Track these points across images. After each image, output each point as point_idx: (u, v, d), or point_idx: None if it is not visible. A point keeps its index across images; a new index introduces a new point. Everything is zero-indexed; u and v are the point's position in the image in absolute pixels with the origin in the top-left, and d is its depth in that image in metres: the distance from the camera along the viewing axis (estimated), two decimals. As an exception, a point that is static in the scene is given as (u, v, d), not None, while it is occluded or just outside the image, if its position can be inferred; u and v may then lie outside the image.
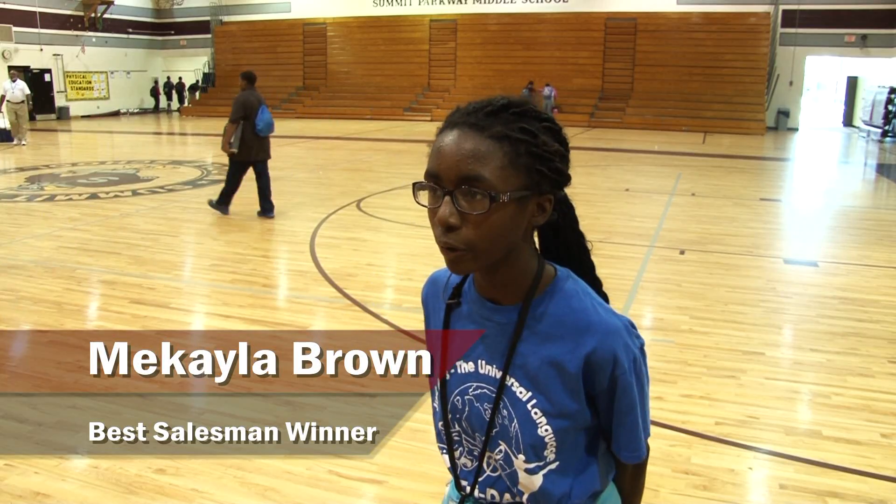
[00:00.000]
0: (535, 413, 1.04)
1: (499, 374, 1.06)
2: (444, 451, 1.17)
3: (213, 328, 4.56)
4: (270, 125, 7.45)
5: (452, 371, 1.12)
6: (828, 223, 8.44)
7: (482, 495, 1.13)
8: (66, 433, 3.11)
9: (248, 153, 7.48)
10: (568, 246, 1.14)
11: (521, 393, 1.05)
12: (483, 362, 1.08)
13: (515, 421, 1.05)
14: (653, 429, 3.18)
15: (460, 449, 1.13)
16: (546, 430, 1.04)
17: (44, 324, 4.54)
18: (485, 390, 1.08)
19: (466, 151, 0.96)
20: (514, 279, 1.05)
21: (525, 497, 1.09)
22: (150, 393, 3.54)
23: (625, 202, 9.26)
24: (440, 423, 1.15)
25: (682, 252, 6.49)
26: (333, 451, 3.13)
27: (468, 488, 1.13)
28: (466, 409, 1.10)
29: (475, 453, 1.12)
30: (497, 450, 1.08)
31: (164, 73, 30.23)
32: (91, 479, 2.76)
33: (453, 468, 1.15)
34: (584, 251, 1.16)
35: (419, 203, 1.02)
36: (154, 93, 29.25)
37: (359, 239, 7.01)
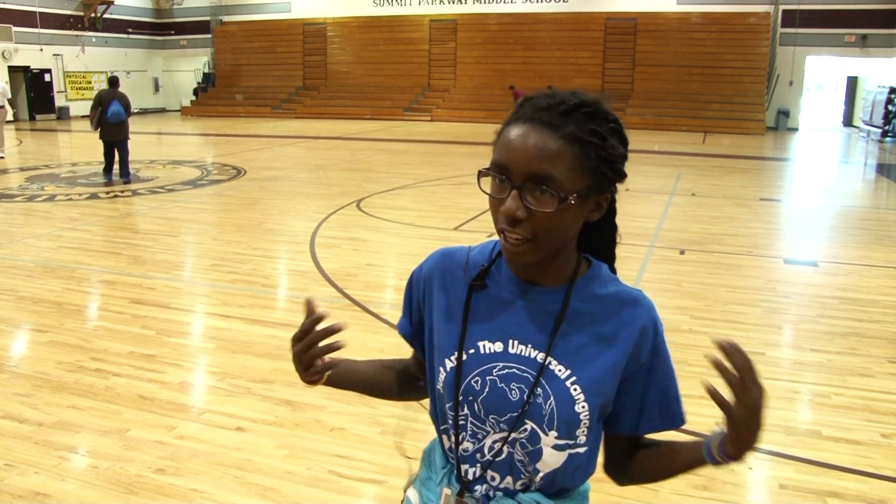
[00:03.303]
0: (575, 389, 1.06)
1: (535, 354, 1.07)
2: (448, 436, 1.15)
3: (213, 328, 4.56)
4: (116, 114, 10.08)
5: (472, 351, 1.10)
6: (828, 223, 8.44)
7: (484, 477, 1.12)
8: (66, 433, 3.11)
9: (107, 135, 10.24)
10: (602, 236, 1.17)
11: (559, 371, 1.07)
12: (515, 342, 1.09)
13: (552, 398, 1.06)
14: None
15: (463, 433, 1.13)
16: (583, 408, 1.06)
17: (44, 324, 4.54)
18: (514, 370, 1.08)
19: (539, 150, 0.98)
20: (560, 265, 1.08)
21: (539, 476, 1.10)
22: (151, 393, 3.55)
23: (625, 202, 9.13)
24: (447, 406, 1.13)
25: (682, 252, 6.49)
26: (333, 451, 3.13)
27: (471, 471, 1.13)
28: (486, 390, 1.09)
29: (479, 436, 1.11)
30: (521, 429, 1.08)
31: (165, 72, 30.29)
32: (91, 479, 2.76)
33: (455, 452, 1.14)
34: (614, 243, 1.20)
35: (482, 190, 1.03)
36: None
37: (359, 239, 7.01)
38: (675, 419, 1.13)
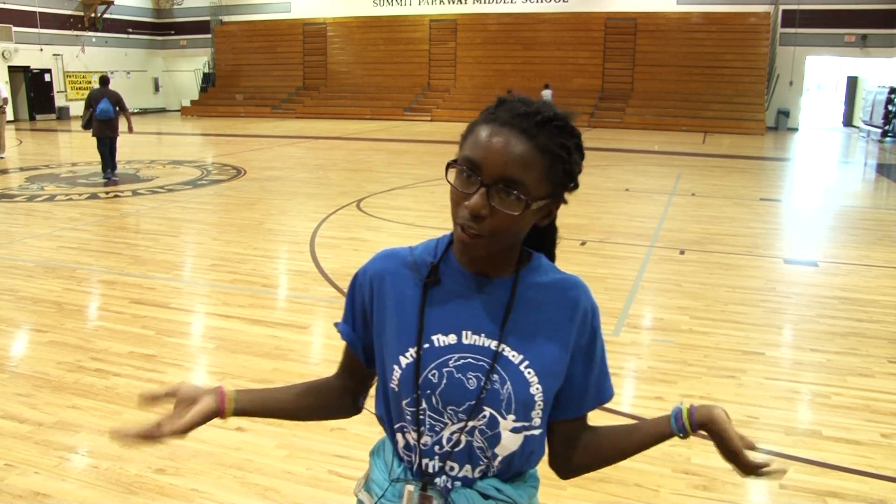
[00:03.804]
0: (529, 373, 1.12)
1: (488, 342, 1.12)
2: (406, 432, 1.16)
3: (213, 328, 4.56)
4: (104, 112, 10.49)
5: (427, 346, 1.13)
6: (828, 223, 8.44)
7: (442, 465, 1.14)
8: (66, 433, 3.11)
9: (98, 131, 10.61)
10: (542, 238, 1.23)
11: (513, 356, 1.12)
12: (469, 332, 1.13)
13: (508, 383, 1.11)
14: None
15: (422, 427, 1.15)
16: (537, 389, 1.12)
17: (44, 324, 4.54)
18: (469, 360, 1.12)
19: (515, 155, 1.02)
20: (507, 257, 1.14)
21: (497, 461, 1.14)
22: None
23: (625, 202, 9.26)
24: (405, 402, 1.15)
25: (682, 252, 6.49)
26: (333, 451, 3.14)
27: (431, 464, 1.15)
28: (444, 382, 1.12)
29: (437, 429, 1.14)
30: (480, 416, 1.12)
31: (165, 72, 30.29)
32: (91, 479, 2.76)
33: (416, 448, 1.15)
34: (554, 245, 1.26)
35: (448, 180, 1.07)
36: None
37: (359, 239, 7.01)
38: (605, 394, 1.21)
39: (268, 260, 6.36)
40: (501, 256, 1.13)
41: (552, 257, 1.24)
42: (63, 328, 4.45)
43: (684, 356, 4.03)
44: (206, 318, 4.78)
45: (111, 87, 10.94)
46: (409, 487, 1.16)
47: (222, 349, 4.13)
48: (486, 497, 1.14)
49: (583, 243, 6.70)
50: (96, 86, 11.10)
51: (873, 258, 6.40)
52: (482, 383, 1.11)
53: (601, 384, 1.20)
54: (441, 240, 1.19)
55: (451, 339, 1.13)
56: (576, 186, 1.12)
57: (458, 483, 1.15)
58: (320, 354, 4.09)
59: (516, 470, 1.17)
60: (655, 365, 3.91)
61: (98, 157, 10.86)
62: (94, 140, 10.69)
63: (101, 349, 4.08)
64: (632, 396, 3.63)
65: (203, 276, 5.81)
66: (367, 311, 1.20)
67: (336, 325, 1.26)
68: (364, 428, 3.15)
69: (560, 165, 1.06)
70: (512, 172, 1.01)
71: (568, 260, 6.31)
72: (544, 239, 1.23)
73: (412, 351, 1.13)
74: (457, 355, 1.12)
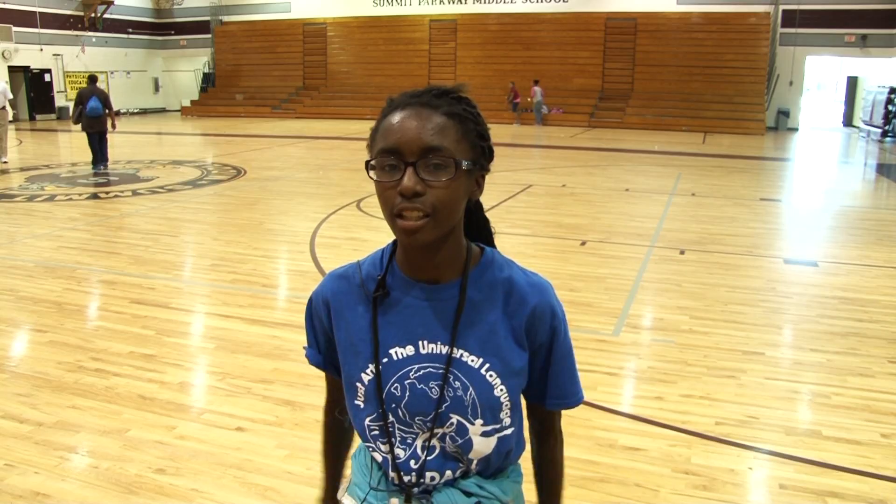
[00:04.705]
0: (491, 376, 1.10)
1: (445, 349, 1.11)
2: (375, 447, 1.17)
3: (213, 328, 4.56)
4: (94, 109, 11.48)
5: (385, 360, 1.13)
6: (828, 223, 8.44)
7: (422, 480, 1.14)
8: (66, 433, 3.11)
9: (88, 127, 11.61)
10: (479, 228, 1.22)
11: (472, 361, 1.10)
12: (425, 342, 1.12)
13: (471, 388, 1.10)
14: (653, 429, 3.20)
15: (393, 440, 1.14)
16: (501, 391, 1.11)
17: (44, 324, 4.54)
18: (429, 369, 1.11)
19: (427, 125, 1.02)
20: (452, 256, 1.11)
21: (474, 464, 1.14)
22: (151, 393, 3.54)
23: (625, 202, 9.25)
24: (369, 419, 1.15)
25: (682, 252, 6.49)
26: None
27: (408, 477, 1.14)
28: (407, 394, 1.12)
29: (409, 441, 1.14)
30: (448, 423, 1.11)
31: (165, 72, 30.28)
32: (91, 479, 2.76)
33: (389, 462, 1.15)
34: (490, 235, 1.25)
35: (373, 179, 1.05)
36: None
37: (359, 239, 7.01)
38: (569, 398, 1.19)
39: (268, 260, 6.36)
40: (445, 249, 1.09)
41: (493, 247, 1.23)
42: (63, 328, 4.45)
43: (684, 356, 4.03)
44: (206, 318, 4.78)
45: (98, 85, 11.94)
46: (394, 501, 1.16)
47: (222, 349, 4.13)
48: (468, 495, 1.14)
49: (583, 243, 6.69)
50: (100, 86, 11.89)
51: (873, 258, 6.40)
52: (444, 391, 1.10)
53: (564, 386, 1.17)
54: (385, 250, 1.17)
55: (409, 350, 1.12)
56: (492, 153, 1.12)
57: (440, 484, 1.15)
58: (320, 354, 4.08)
59: (496, 467, 1.17)
60: (655, 365, 3.91)
61: (90, 154, 11.65)
62: (84, 134, 11.67)
63: (101, 349, 4.08)
64: (632, 396, 3.63)
65: (203, 276, 5.81)
66: (328, 331, 1.21)
67: (304, 348, 1.27)
68: (364, 428, 3.15)
69: (472, 126, 1.06)
70: (430, 140, 1.01)
71: (568, 260, 6.33)
72: (480, 231, 1.22)
73: (371, 367, 1.13)
74: (416, 366, 1.11)
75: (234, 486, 2.72)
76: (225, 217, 8.22)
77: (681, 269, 5.96)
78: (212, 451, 2.97)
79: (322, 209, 8.40)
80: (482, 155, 1.09)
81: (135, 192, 9.68)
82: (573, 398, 1.19)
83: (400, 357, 1.12)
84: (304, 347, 1.28)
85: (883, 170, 13.82)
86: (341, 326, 1.17)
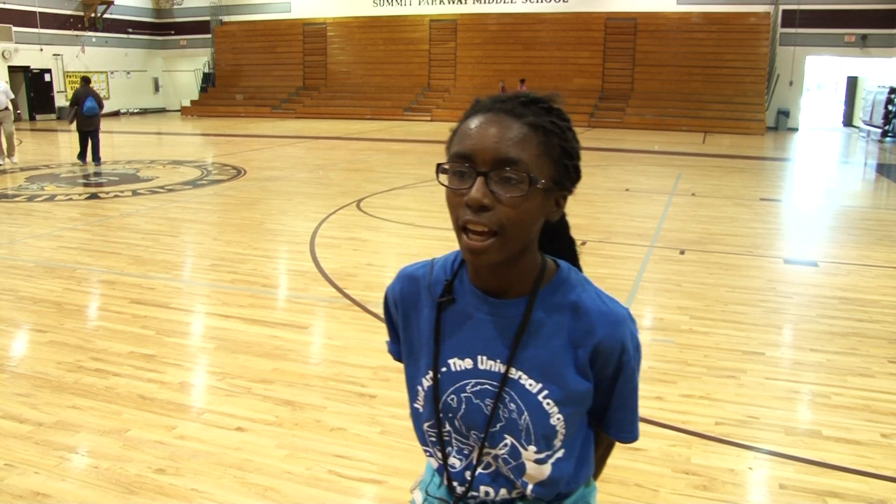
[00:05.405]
0: (548, 404, 1.04)
1: (503, 369, 1.05)
2: (432, 453, 1.15)
3: (213, 328, 4.56)
4: (91, 109, 12.11)
5: (444, 370, 1.10)
6: (828, 223, 8.44)
7: (476, 493, 1.12)
8: (66, 433, 3.11)
9: (83, 126, 12.24)
10: (562, 250, 1.15)
11: (530, 385, 1.05)
12: (484, 358, 1.07)
13: (526, 414, 1.05)
14: (653, 428, 3.19)
15: (449, 449, 1.12)
16: (558, 419, 1.05)
17: (44, 324, 4.54)
18: (486, 386, 1.07)
19: (506, 134, 0.95)
20: (522, 274, 1.04)
21: (530, 488, 1.09)
22: (151, 393, 3.54)
23: (625, 202, 9.25)
24: (427, 424, 1.13)
25: (682, 252, 6.49)
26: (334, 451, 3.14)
27: (461, 489, 1.12)
28: (463, 406, 1.09)
29: (465, 452, 1.11)
30: (501, 444, 1.07)
31: (165, 72, 30.28)
32: (91, 479, 2.76)
33: (444, 470, 1.14)
34: (575, 256, 1.17)
35: (441, 184, 1.00)
36: None
37: (359, 239, 7.01)
38: (624, 435, 1.13)
39: (268, 260, 6.36)
40: (515, 268, 1.03)
41: (577, 269, 1.15)
42: (63, 328, 4.45)
43: (684, 356, 4.03)
44: (206, 318, 4.78)
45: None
46: None
47: (222, 349, 4.12)
48: None
49: (583, 243, 6.64)
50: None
51: (873, 258, 6.40)
52: (499, 411, 1.06)
53: (621, 423, 1.11)
54: (459, 253, 1.11)
55: (468, 363, 1.08)
56: (578, 174, 1.03)
57: (497, 501, 1.12)
58: (320, 354, 4.08)
59: (561, 491, 1.11)
60: (655, 365, 3.91)
61: (79, 150, 12.35)
62: (76, 132, 12.25)
63: (101, 349, 4.08)
64: (632, 396, 3.62)
65: (203, 276, 5.80)
66: (398, 328, 1.20)
67: (387, 342, 1.27)
68: (364, 428, 3.15)
69: (556, 141, 0.98)
70: (506, 152, 0.94)
71: (568, 260, 6.32)
72: (563, 252, 1.14)
73: (430, 374, 1.10)
74: (473, 381, 1.08)
75: (234, 486, 2.72)
76: (225, 217, 8.21)
77: (681, 269, 5.96)
78: (212, 451, 2.97)
79: (322, 209, 8.40)
80: (565, 174, 1.01)
81: (135, 192, 9.67)
82: (627, 436, 1.13)
83: (458, 369, 1.09)
84: (386, 342, 1.27)
85: (883, 170, 13.82)
86: (407, 327, 1.16)
